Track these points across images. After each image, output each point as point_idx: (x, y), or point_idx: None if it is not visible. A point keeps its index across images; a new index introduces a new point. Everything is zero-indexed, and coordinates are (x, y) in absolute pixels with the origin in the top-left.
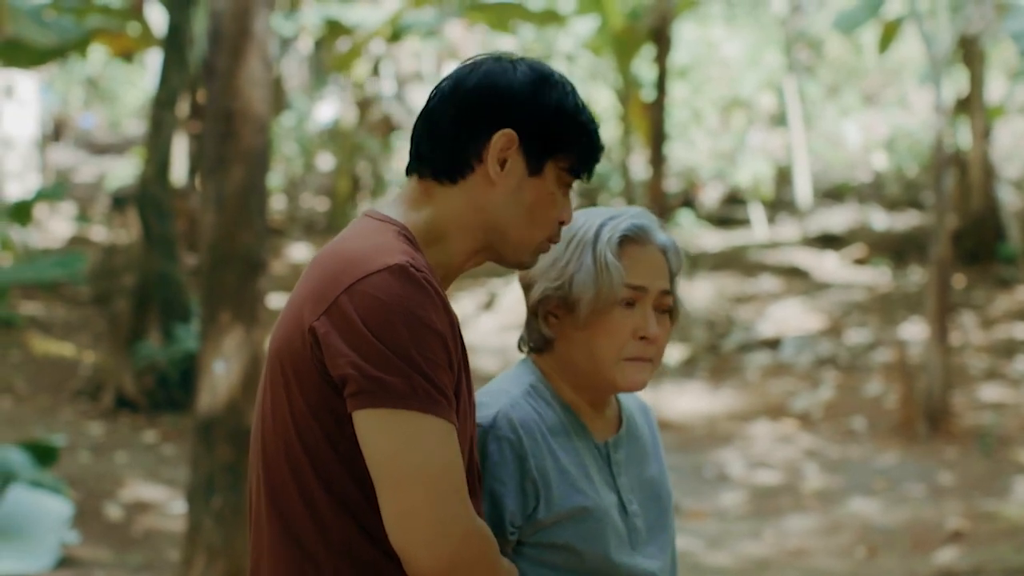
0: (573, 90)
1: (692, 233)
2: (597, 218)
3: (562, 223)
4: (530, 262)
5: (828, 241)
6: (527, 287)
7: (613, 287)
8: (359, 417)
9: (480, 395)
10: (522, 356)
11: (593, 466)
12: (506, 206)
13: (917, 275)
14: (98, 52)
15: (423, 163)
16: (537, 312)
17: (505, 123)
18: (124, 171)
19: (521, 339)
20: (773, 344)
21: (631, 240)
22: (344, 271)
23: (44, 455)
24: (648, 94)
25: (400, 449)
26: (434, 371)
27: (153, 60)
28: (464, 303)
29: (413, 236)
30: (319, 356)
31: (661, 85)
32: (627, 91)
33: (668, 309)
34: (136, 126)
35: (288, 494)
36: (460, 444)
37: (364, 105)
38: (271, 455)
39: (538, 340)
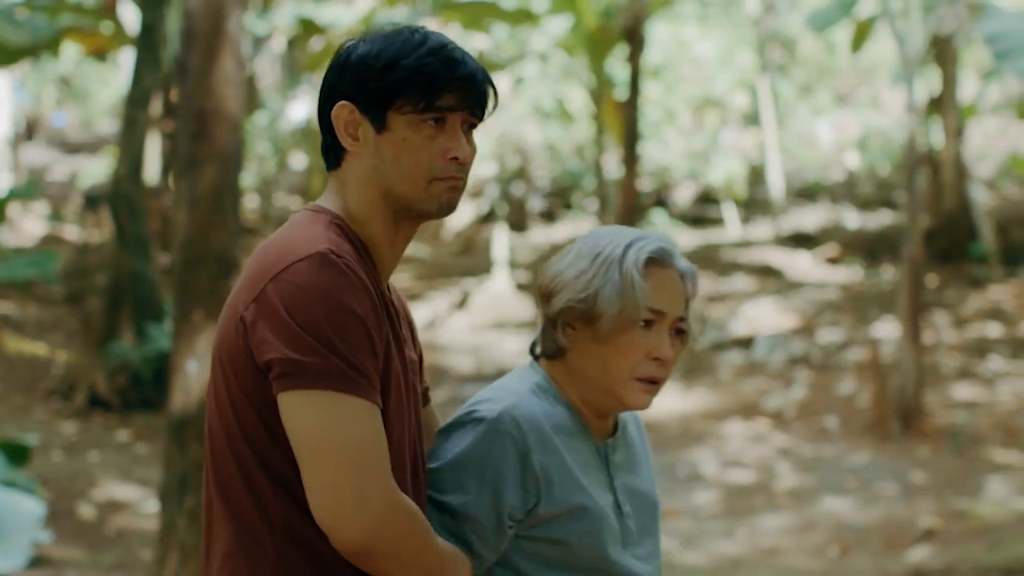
0: (408, 35)
1: (665, 232)
2: (624, 237)
3: (455, 159)
4: (439, 205)
5: (801, 240)
6: (547, 295)
7: (637, 307)
8: (282, 399)
9: (485, 392)
10: (495, 357)
11: (592, 466)
12: (378, 170)
13: (890, 274)
14: (71, 51)
15: (323, 158)
16: (557, 321)
17: (337, 98)
18: (97, 170)
19: (534, 344)
20: (746, 343)
21: (656, 263)
22: (273, 262)
23: (17, 454)
24: (621, 93)
25: (318, 426)
26: (353, 353)
27: (126, 59)
28: (437, 302)
29: (346, 223)
30: (248, 343)
31: (634, 84)
32: (600, 90)
33: (681, 333)
34: (109, 125)
35: (232, 479)
36: (392, 425)
37: None
38: (216, 442)
39: (552, 348)
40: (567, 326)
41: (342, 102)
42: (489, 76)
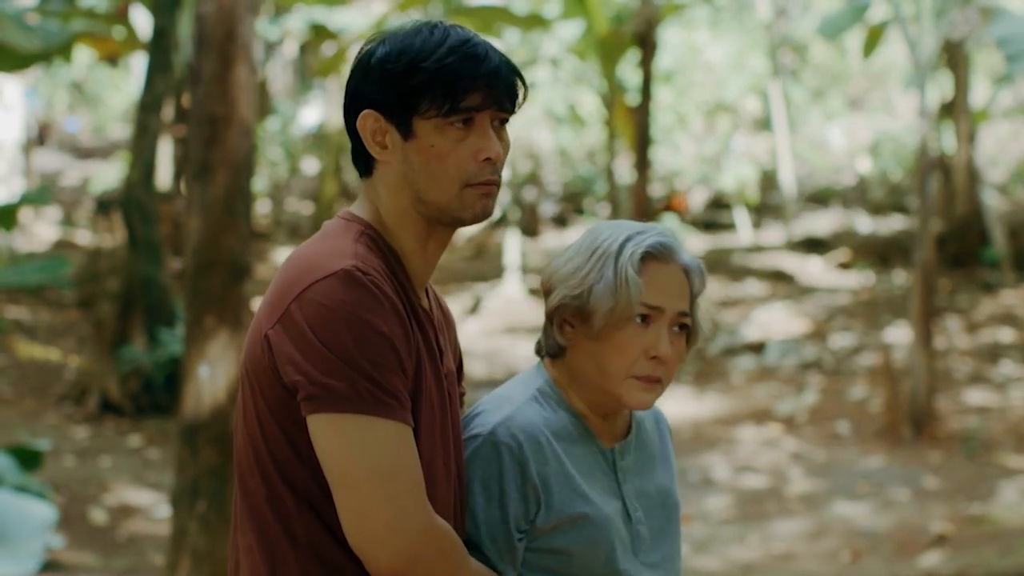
0: (427, 33)
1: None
2: (623, 232)
3: (487, 159)
4: (473, 213)
5: (813, 245)
6: (546, 292)
7: (631, 302)
8: (311, 422)
9: (486, 402)
10: (508, 362)
11: (598, 472)
12: (407, 178)
13: (901, 279)
14: (83, 56)
15: (354, 165)
16: (553, 319)
17: (362, 106)
18: (109, 175)
19: (538, 342)
20: (758, 348)
21: (654, 257)
22: (296, 279)
23: (29, 459)
24: (633, 98)
25: (349, 451)
26: (381, 373)
27: (138, 64)
28: (449, 308)
29: (377, 232)
30: (274, 363)
31: (646, 89)
32: (612, 95)
33: (685, 329)
34: (121, 130)
35: (258, 496)
36: (423, 442)
37: None
38: (243, 458)
39: (552, 346)
40: (564, 323)
41: (367, 111)
42: (515, 67)
